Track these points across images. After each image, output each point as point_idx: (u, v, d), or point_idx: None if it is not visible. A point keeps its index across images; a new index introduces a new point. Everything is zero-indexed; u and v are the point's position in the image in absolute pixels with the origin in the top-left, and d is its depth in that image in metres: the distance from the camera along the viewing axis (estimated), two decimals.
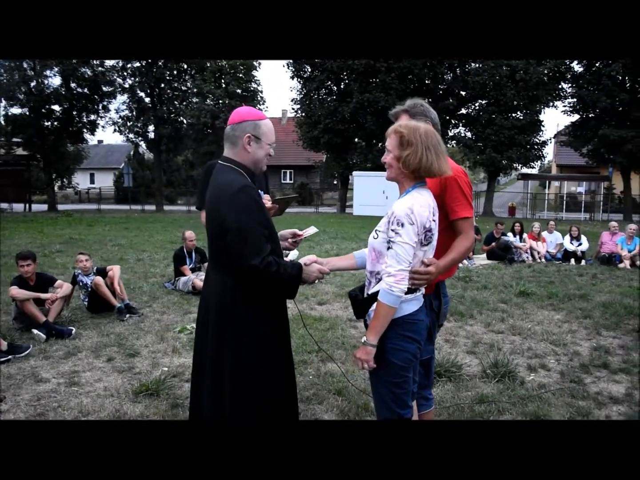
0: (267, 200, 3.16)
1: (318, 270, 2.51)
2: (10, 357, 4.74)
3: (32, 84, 27.33)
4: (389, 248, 2.23)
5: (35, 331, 5.30)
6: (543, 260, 11.14)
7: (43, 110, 27.93)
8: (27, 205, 28.62)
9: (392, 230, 2.21)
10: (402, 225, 2.18)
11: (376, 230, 2.35)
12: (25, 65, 27.18)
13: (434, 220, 2.30)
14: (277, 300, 2.51)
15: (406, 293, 2.26)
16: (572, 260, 11.00)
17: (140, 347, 5.12)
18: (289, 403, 2.57)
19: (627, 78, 24.18)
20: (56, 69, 27.67)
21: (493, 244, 11.14)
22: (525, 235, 11.44)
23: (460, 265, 9.97)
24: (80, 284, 6.35)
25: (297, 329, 5.20)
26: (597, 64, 24.50)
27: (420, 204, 2.24)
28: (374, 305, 2.27)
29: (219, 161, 2.49)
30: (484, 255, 11.26)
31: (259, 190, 3.03)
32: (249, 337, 2.39)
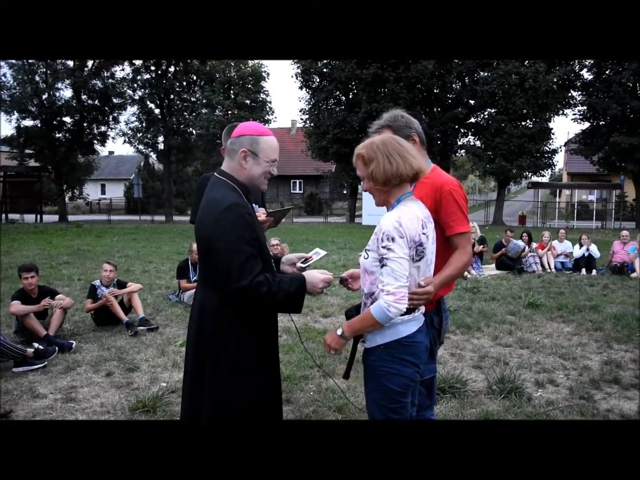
0: (261, 214, 3.09)
1: (322, 281, 2.36)
2: (45, 361, 4.88)
3: (44, 96, 27.63)
4: (383, 266, 2.09)
5: (35, 345, 5.25)
6: (553, 270, 10.97)
7: (54, 122, 28.24)
8: (39, 216, 28.86)
9: (383, 247, 2.07)
10: (393, 239, 2.06)
11: (365, 250, 2.21)
12: (37, 78, 27.57)
13: (424, 234, 2.16)
14: (262, 318, 2.38)
15: (404, 313, 2.14)
16: (583, 270, 10.81)
17: (140, 362, 5.05)
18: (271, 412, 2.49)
19: (638, 85, 23.94)
20: (67, 82, 28.00)
21: (503, 249, 10.97)
22: (534, 245, 11.29)
23: (469, 275, 9.84)
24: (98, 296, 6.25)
25: (300, 342, 5.11)
26: (607, 72, 24.32)
27: (408, 217, 2.11)
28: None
29: (215, 173, 2.41)
30: (493, 265, 11.11)
31: (254, 205, 2.96)
32: (228, 359, 2.30)
